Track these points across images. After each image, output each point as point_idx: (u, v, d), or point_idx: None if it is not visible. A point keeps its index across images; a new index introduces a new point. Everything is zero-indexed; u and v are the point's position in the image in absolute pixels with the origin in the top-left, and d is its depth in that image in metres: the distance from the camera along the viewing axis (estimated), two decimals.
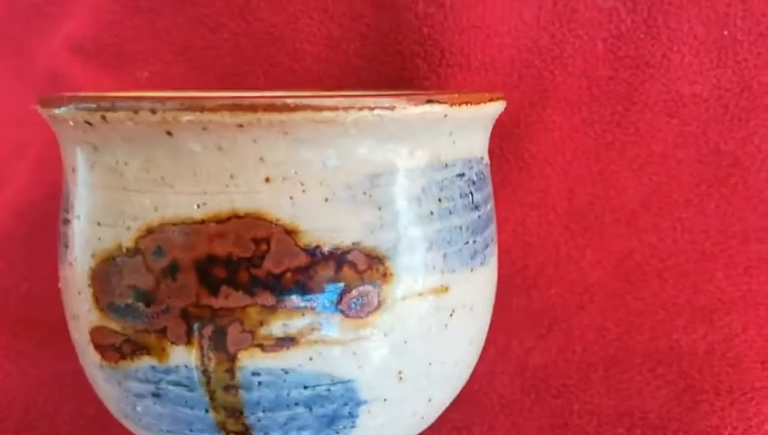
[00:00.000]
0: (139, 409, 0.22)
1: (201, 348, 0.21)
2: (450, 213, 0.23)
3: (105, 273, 0.22)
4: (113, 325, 0.22)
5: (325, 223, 0.21)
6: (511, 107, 0.32)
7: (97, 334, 0.22)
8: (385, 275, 0.21)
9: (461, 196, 0.23)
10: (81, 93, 0.22)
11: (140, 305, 0.21)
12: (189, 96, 0.19)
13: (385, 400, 0.22)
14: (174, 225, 0.20)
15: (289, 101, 0.19)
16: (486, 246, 0.25)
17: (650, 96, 0.32)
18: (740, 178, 0.32)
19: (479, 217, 0.24)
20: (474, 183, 0.24)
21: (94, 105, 0.20)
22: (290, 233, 0.20)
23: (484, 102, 0.23)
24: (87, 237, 0.22)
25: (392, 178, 0.21)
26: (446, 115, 0.21)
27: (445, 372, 0.24)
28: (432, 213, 0.22)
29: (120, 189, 0.21)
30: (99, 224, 0.22)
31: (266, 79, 0.35)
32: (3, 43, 0.37)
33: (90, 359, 0.23)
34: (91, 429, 0.29)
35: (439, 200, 0.22)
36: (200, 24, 0.35)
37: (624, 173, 0.33)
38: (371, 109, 0.20)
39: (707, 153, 0.32)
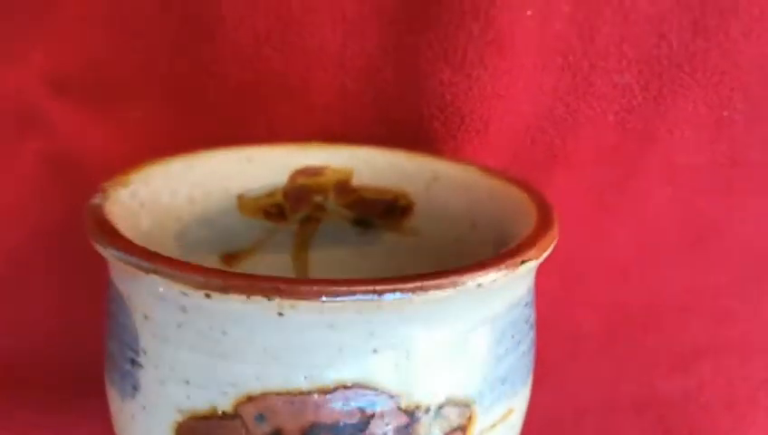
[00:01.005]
0: None
1: None
2: (519, 343, 0.24)
3: (195, 430, 0.21)
4: None
5: (426, 385, 0.21)
6: (522, 168, 0.33)
7: None
8: (470, 418, 0.23)
9: (525, 322, 0.24)
10: (176, 258, 0.20)
11: None
12: (308, 284, 0.19)
13: None
14: (278, 395, 0.20)
15: (409, 285, 0.19)
16: (534, 355, 0.26)
17: (651, 166, 0.34)
18: (717, 242, 0.35)
19: (533, 334, 0.26)
20: (531, 305, 0.25)
21: (198, 279, 0.19)
22: (393, 397, 0.21)
23: (555, 239, 0.24)
24: (170, 392, 0.21)
25: (483, 331, 0.22)
26: (531, 268, 0.22)
27: None
28: (507, 350, 0.23)
29: (214, 355, 0.20)
30: (187, 382, 0.21)
31: (268, 129, 0.33)
32: None
33: None
34: None
35: (512, 336, 0.24)
36: (201, 69, 0.32)
37: (619, 232, 0.35)
38: (478, 281, 0.20)
39: (694, 217, 0.35)
